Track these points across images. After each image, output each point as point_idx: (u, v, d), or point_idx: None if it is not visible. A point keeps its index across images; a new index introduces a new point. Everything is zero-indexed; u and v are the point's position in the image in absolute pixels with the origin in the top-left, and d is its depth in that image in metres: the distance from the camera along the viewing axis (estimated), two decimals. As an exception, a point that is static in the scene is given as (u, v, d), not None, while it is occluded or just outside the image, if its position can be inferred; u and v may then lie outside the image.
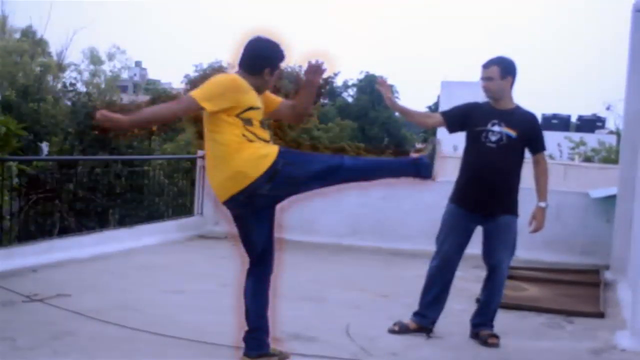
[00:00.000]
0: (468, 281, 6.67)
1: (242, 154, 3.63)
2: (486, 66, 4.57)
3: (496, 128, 4.56)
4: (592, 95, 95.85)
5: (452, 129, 4.78)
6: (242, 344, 3.93)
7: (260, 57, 3.78)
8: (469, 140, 4.72)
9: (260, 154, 3.64)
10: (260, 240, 3.88)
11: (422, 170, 3.84)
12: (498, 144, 4.56)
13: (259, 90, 3.80)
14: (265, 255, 3.92)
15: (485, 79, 4.57)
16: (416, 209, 8.42)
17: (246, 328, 3.93)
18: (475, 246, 8.13)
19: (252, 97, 3.71)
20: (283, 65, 3.95)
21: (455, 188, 4.80)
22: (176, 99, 3.88)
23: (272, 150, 3.68)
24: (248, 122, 3.67)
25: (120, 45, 55.29)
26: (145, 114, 3.77)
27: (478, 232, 8.27)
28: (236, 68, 3.87)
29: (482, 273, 6.93)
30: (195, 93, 3.61)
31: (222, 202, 3.78)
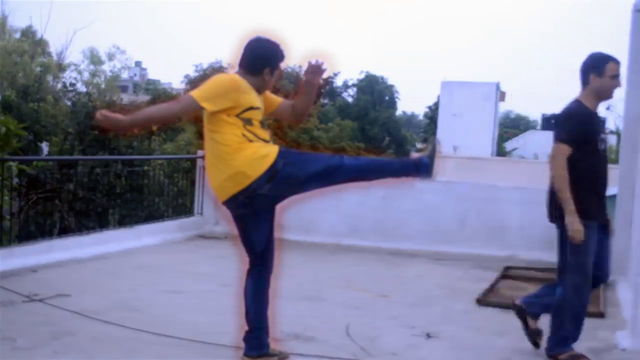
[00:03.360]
0: (468, 281, 6.69)
1: (242, 154, 3.63)
2: (620, 62, 4.17)
3: (603, 135, 4.25)
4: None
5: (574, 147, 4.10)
6: (242, 344, 3.93)
7: (260, 57, 3.78)
8: (584, 150, 4.08)
9: (260, 154, 3.64)
10: (260, 241, 3.88)
11: (423, 169, 3.84)
12: (605, 150, 4.25)
13: (259, 90, 3.80)
14: (265, 256, 3.92)
15: (619, 76, 4.18)
16: (416, 209, 8.43)
17: (246, 328, 3.93)
18: (474, 247, 8.19)
19: (252, 97, 3.71)
20: (283, 65, 3.95)
21: (586, 203, 4.08)
22: (176, 99, 3.88)
23: (272, 150, 3.68)
24: (248, 122, 3.67)
25: (120, 45, 55.42)
26: (145, 114, 3.77)
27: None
28: (236, 68, 3.87)
29: (482, 273, 6.99)
30: (195, 93, 3.62)
31: (222, 202, 3.78)
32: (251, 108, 3.68)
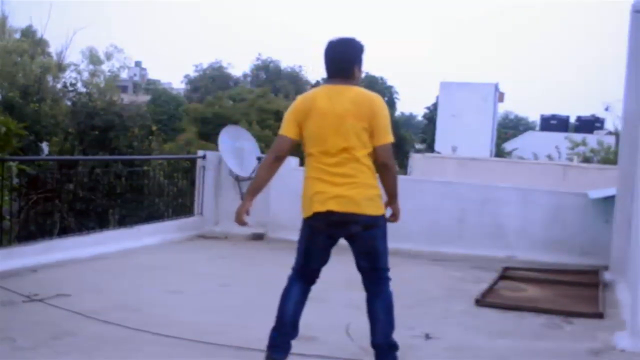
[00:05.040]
0: (468, 282, 6.70)
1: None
2: None
3: None
4: (591, 96, 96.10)
5: None
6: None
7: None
8: None
9: None
10: (319, 262, 3.92)
11: None
12: None
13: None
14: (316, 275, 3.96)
15: None
16: (416, 209, 8.44)
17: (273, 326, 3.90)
18: (473, 247, 8.19)
19: None
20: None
21: None
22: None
23: None
24: None
25: (118, 44, 55.46)
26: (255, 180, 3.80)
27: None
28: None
29: (481, 274, 6.99)
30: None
31: (345, 212, 3.65)
32: None
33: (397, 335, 4.72)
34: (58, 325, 4.51)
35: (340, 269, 7.17)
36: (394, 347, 3.80)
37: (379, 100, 3.68)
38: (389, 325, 3.80)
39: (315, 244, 3.79)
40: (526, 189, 8.62)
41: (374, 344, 3.80)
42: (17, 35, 33.72)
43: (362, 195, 3.63)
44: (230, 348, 4.15)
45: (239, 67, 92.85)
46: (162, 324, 4.57)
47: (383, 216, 3.75)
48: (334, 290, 6.01)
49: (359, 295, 5.96)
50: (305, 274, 3.86)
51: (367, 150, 3.62)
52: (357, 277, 6.69)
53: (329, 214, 3.61)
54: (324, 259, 3.86)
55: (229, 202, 9.05)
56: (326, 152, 3.61)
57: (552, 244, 7.97)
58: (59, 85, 27.15)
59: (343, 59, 3.70)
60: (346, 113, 3.57)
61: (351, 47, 3.76)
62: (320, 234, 3.74)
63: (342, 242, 9.05)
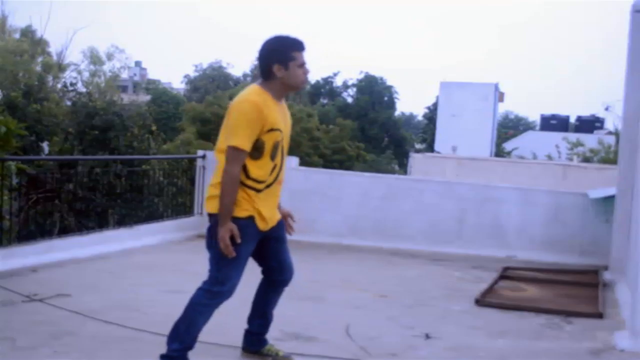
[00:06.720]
0: (467, 282, 6.70)
1: None
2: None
3: None
4: (591, 96, 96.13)
5: None
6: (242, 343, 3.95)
7: (264, 57, 3.59)
8: None
9: None
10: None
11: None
12: None
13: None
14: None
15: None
16: (416, 209, 8.45)
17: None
18: (473, 247, 8.19)
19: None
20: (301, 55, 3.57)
21: None
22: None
23: None
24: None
25: (119, 44, 55.44)
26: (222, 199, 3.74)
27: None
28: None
29: (481, 273, 7.00)
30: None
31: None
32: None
33: (398, 335, 4.73)
34: (58, 325, 4.51)
35: (336, 269, 7.21)
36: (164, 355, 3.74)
37: (233, 103, 3.57)
38: (173, 326, 3.83)
39: None
40: (526, 189, 8.63)
41: None
42: (17, 35, 33.73)
43: (207, 194, 3.78)
44: (230, 348, 4.15)
45: (239, 67, 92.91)
46: (162, 324, 4.55)
47: (213, 215, 3.81)
48: (331, 290, 6.02)
49: (356, 294, 5.99)
50: None
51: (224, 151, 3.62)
52: (353, 276, 6.73)
53: None
54: None
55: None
56: None
57: (552, 243, 7.97)
58: (59, 85, 27.16)
59: (259, 58, 3.65)
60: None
61: (266, 46, 3.60)
62: None
63: (341, 242, 9.03)
